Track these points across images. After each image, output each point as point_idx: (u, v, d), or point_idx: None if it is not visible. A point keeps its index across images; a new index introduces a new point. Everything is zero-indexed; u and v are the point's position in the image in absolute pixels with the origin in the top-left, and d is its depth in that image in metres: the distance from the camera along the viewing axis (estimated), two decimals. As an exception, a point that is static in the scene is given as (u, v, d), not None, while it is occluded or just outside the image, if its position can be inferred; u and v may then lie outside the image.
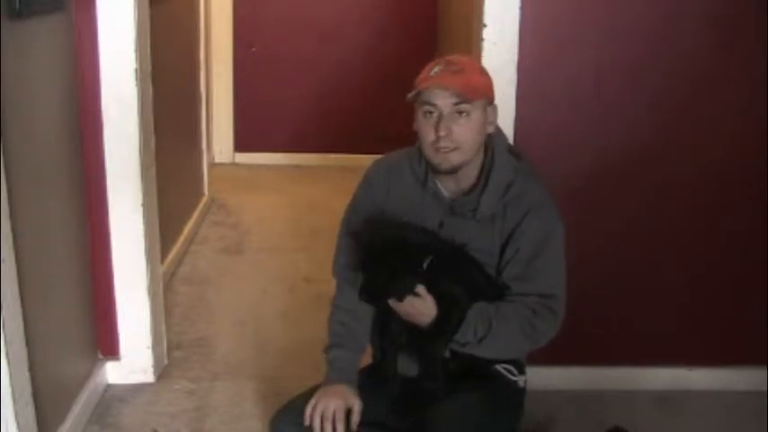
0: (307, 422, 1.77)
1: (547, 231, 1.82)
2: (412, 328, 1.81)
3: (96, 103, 2.41)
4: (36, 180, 2.09)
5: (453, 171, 1.80)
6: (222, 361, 2.82)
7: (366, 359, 1.98)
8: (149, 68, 2.55)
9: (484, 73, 1.84)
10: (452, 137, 1.75)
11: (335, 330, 1.93)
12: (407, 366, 1.87)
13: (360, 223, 1.93)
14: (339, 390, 1.82)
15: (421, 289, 1.75)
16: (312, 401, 1.80)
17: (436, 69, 1.76)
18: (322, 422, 1.77)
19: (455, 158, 1.77)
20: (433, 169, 1.82)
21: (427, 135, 1.77)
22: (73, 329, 2.43)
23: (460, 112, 1.75)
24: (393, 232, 1.77)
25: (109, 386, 2.62)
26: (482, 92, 1.79)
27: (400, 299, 1.74)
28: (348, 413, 1.80)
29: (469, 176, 1.83)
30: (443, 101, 1.74)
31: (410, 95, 1.78)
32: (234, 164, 5.41)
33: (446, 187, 1.86)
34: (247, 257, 3.84)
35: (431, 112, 1.76)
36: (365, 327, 1.93)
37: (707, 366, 2.64)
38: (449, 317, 1.76)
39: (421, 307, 1.76)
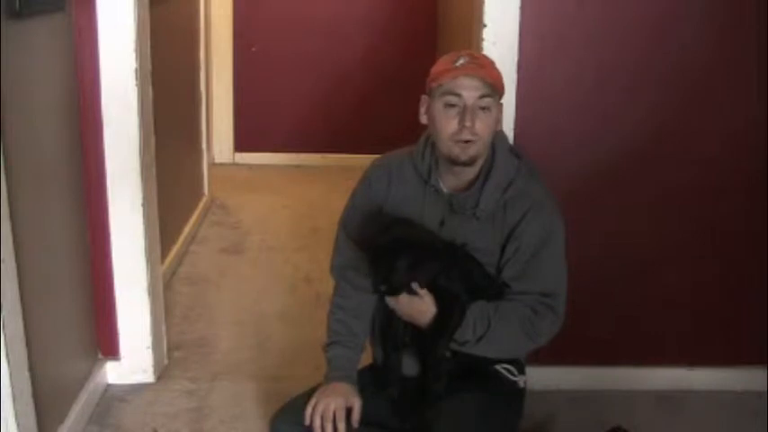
0: (307, 422, 1.77)
1: (547, 230, 1.82)
2: (414, 328, 1.81)
3: (96, 103, 2.41)
4: (36, 180, 2.09)
5: (471, 162, 1.80)
6: (222, 361, 2.82)
7: (366, 359, 1.98)
8: (149, 68, 2.54)
9: (497, 69, 1.84)
10: (474, 129, 1.75)
11: (335, 329, 1.93)
12: (409, 366, 1.87)
13: (358, 223, 1.93)
14: (339, 388, 1.82)
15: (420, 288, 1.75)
16: (312, 401, 1.79)
17: (461, 61, 1.76)
18: (323, 422, 1.77)
19: (473, 150, 1.77)
20: (450, 161, 1.80)
21: (447, 126, 1.76)
22: (73, 329, 2.43)
23: (482, 107, 1.75)
24: (401, 228, 1.77)
25: (109, 386, 2.62)
26: (502, 87, 1.81)
27: (422, 285, 1.73)
28: (349, 412, 1.79)
29: (471, 172, 1.83)
30: (469, 92, 1.74)
31: (435, 85, 1.77)
32: (234, 164, 5.41)
33: (447, 184, 1.86)
34: (247, 257, 3.83)
35: (453, 104, 1.76)
36: (364, 325, 1.93)
37: (707, 366, 2.64)
38: (449, 315, 1.76)
39: (420, 306, 1.76)
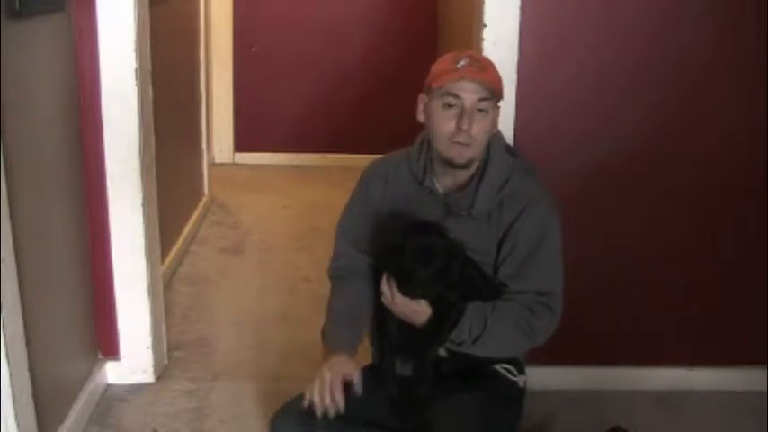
0: (306, 403, 1.74)
1: (543, 228, 1.82)
2: (408, 329, 1.81)
3: (96, 103, 2.41)
4: (36, 180, 2.09)
5: (467, 165, 1.80)
6: (222, 361, 2.82)
7: (366, 359, 1.98)
8: (149, 68, 2.54)
9: (498, 71, 1.84)
10: (471, 132, 1.75)
11: (335, 309, 1.91)
12: (406, 367, 1.87)
13: (359, 227, 1.93)
14: (335, 361, 1.78)
15: None
16: (310, 386, 1.76)
17: (462, 63, 1.76)
18: (321, 398, 1.72)
19: (469, 153, 1.78)
20: (446, 163, 1.81)
21: (444, 127, 1.77)
22: (73, 329, 2.43)
23: (480, 109, 1.75)
24: (428, 235, 1.75)
25: (109, 386, 2.62)
26: (501, 90, 1.81)
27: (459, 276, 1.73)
28: (350, 388, 1.76)
29: (467, 172, 1.83)
30: (469, 94, 1.74)
31: (436, 86, 1.76)
32: (234, 164, 5.41)
33: (442, 184, 1.86)
34: (247, 257, 3.84)
35: (451, 105, 1.76)
36: (364, 310, 1.90)
37: (707, 366, 2.64)
38: (443, 318, 1.76)
39: (416, 306, 1.76)
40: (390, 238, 1.77)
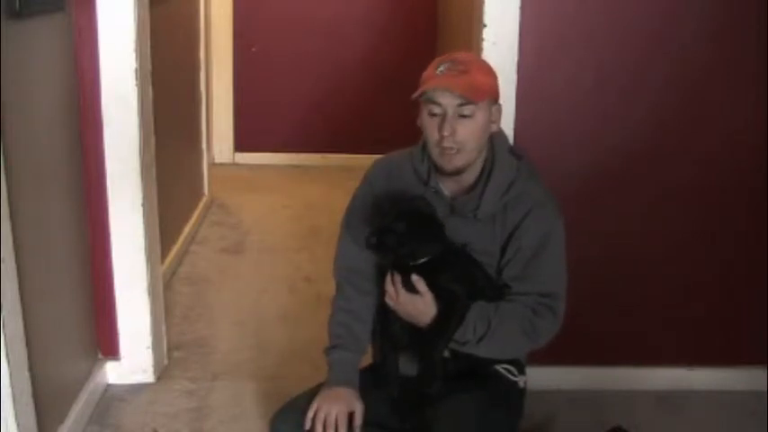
0: (307, 427, 1.77)
1: (547, 231, 1.81)
2: (412, 329, 1.81)
3: (96, 103, 2.41)
4: (36, 180, 2.09)
5: (457, 173, 1.80)
6: (222, 361, 2.83)
7: (366, 359, 1.98)
8: (149, 68, 2.55)
9: (489, 72, 1.82)
10: (456, 137, 1.74)
11: (336, 332, 1.92)
12: (408, 367, 1.87)
13: (360, 224, 1.93)
14: (341, 393, 1.81)
15: (422, 285, 1.75)
16: (313, 406, 1.78)
17: (441, 68, 1.75)
18: (324, 429, 1.76)
19: (458, 161, 1.77)
20: (437, 169, 1.82)
21: (432, 134, 1.77)
22: (73, 329, 2.43)
23: (463, 114, 1.74)
24: (420, 202, 1.78)
25: (109, 386, 2.62)
26: (486, 92, 1.77)
27: (414, 258, 1.74)
28: (350, 417, 1.79)
29: (471, 175, 1.83)
30: (447, 100, 1.73)
31: (415, 95, 1.76)
32: (234, 164, 5.41)
33: (447, 186, 1.86)
34: (247, 257, 3.84)
35: (434, 113, 1.75)
36: (366, 328, 1.92)
37: (707, 366, 2.64)
38: (448, 317, 1.76)
39: (421, 306, 1.76)
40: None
